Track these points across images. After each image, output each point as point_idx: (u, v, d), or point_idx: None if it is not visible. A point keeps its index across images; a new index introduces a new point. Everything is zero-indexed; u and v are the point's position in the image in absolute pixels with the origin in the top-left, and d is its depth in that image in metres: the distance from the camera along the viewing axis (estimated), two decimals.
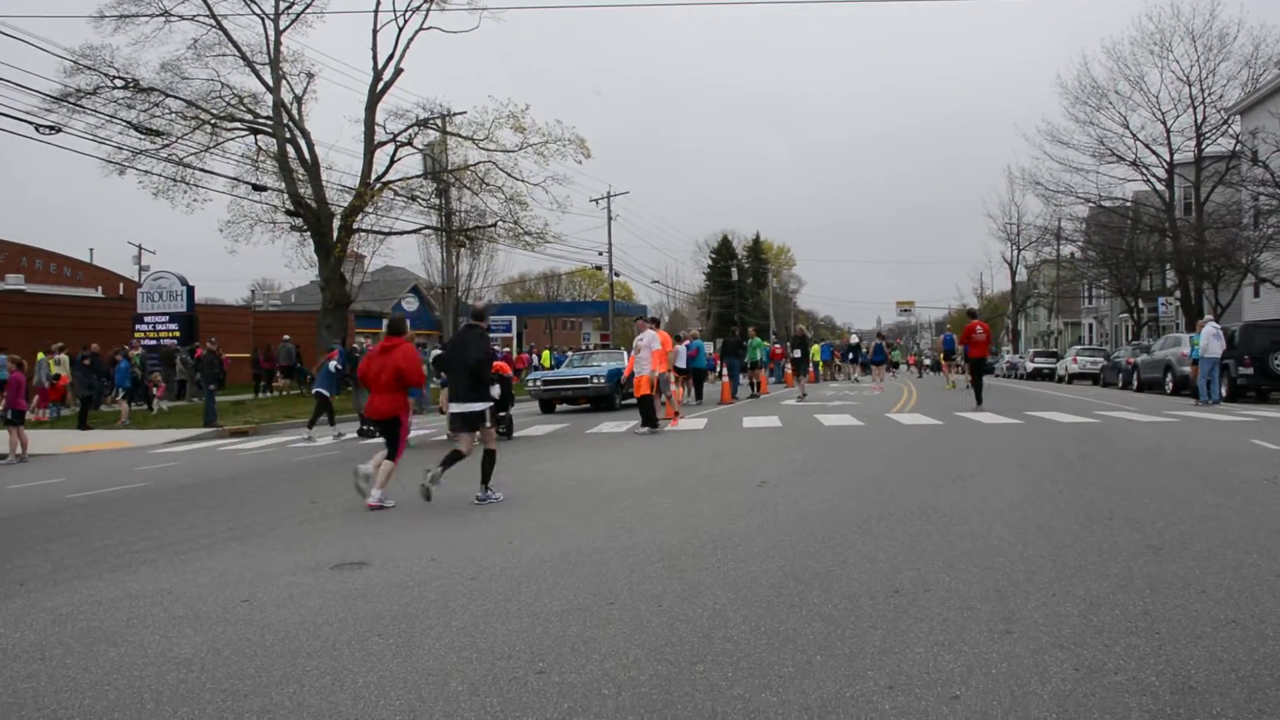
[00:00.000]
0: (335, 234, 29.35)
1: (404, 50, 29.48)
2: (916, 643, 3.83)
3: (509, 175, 29.91)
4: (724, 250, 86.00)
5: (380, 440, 15.43)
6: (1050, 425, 13.90)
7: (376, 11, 29.20)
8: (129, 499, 9.58)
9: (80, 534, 7.45)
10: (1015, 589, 4.60)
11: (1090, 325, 62.83)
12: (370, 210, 29.97)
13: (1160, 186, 35.98)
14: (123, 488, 10.56)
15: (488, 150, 29.71)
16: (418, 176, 31.36)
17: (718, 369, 28.38)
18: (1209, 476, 8.26)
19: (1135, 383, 26.24)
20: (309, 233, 29.54)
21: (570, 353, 33.61)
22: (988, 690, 3.29)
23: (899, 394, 24.88)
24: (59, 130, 21.00)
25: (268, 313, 46.96)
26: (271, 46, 28.52)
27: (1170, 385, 23.16)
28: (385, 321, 9.17)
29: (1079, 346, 45.17)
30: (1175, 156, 35.28)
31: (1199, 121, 33.91)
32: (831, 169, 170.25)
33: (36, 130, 19.68)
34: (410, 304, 52.62)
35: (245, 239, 30.29)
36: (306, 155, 29.13)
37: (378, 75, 29.51)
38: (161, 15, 27.19)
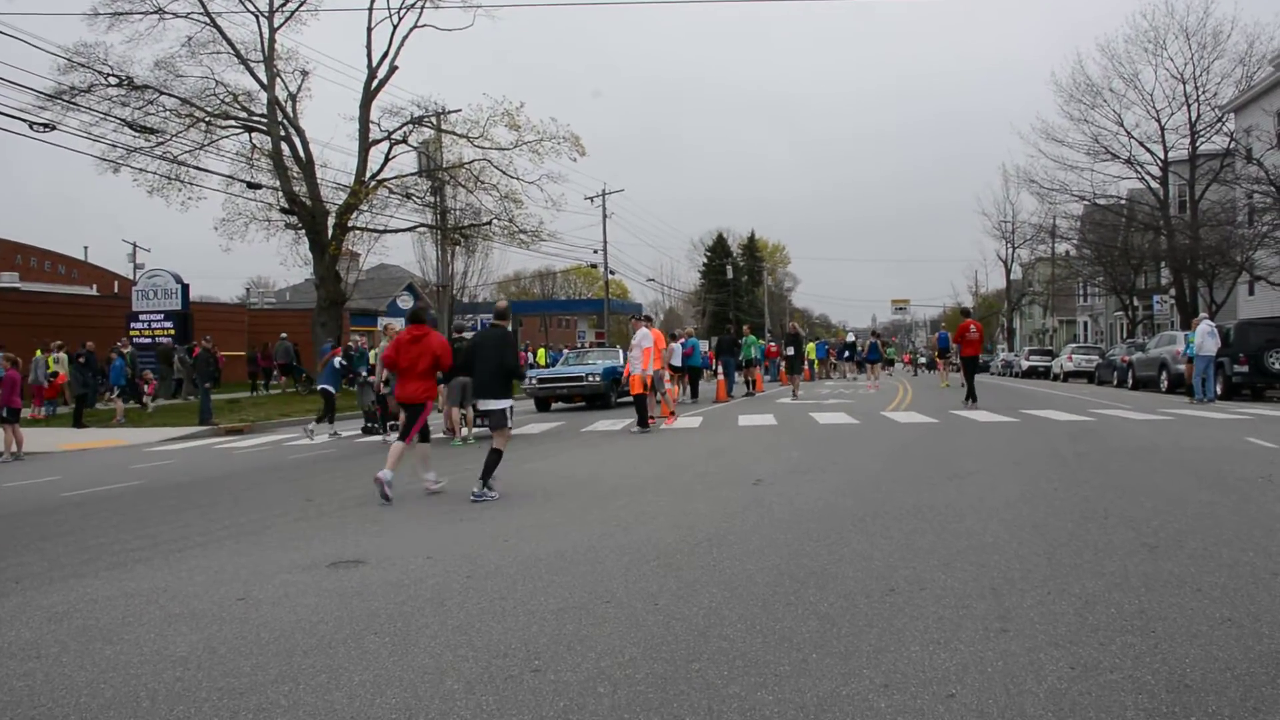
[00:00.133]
0: (330, 232, 29.28)
1: (398, 48, 29.43)
2: (912, 641, 3.83)
3: (504, 173, 29.88)
4: (719, 248, 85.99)
5: (373, 440, 15.47)
6: (1045, 423, 13.93)
7: (371, 9, 29.14)
8: (124, 497, 9.56)
9: (75, 532, 7.43)
10: (1011, 587, 4.61)
11: (1085, 323, 62.96)
12: (365, 208, 29.91)
13: (1155, 184, 36.04)
14: (118, 486, 10.53)
15: (483, 148, 29.67)
16: (413, 174, 31.31)
17: (713, 367, 28.39)
18: (1204, 474, 8.28)
19: (1130, 381, 26.29)
20: (304, 231, 29.47)
21: (565, 351, 33.61)
22: (983, 688, 3.30)
23: (894, 392, 24.91)
24: (53, 128, 20.94)
25: (263, 311, 46.87)
26: (266, 44, 28.43)
27: (1165, 383, 23.20)
28: (408, 311, 9.56)
29: (1074, 344, 45.22)
30: (1170, 154, 35.32)
31: (1193, 119, 33.97)
32: (828, 167, 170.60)
33: (31, 128, 19.62)
34: (405, 302, 52.52)
35: (240, 237, 30.22)
36: (301, 153, 29.06)
37: (372, 73, 29.43)
38: (155, 13, 27.09)
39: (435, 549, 6.05)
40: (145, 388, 24.05)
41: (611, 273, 51.53)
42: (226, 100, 28.53)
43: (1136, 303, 44.15)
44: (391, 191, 30.53)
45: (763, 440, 12.57)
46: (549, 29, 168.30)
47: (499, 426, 8.63)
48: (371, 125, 29.52)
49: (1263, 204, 30.14)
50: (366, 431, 16.25)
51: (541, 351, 41.04)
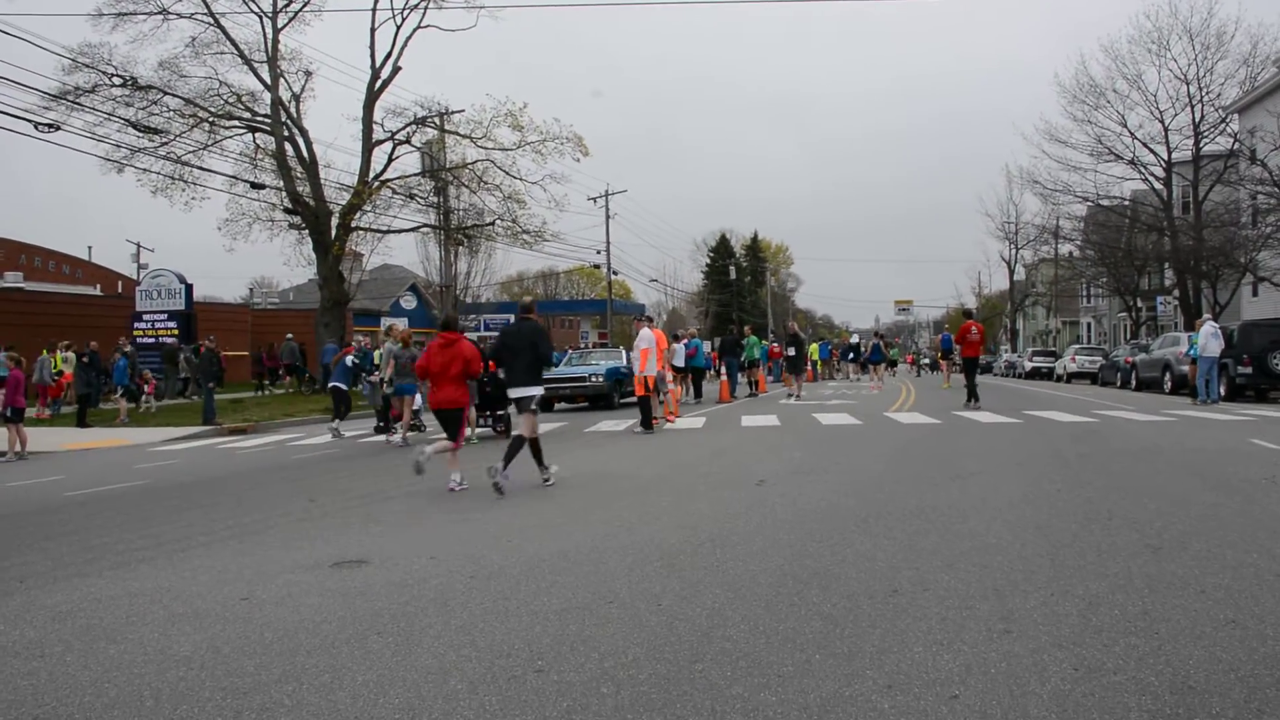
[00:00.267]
0: (333, 232, 29.33)
1: (402, 48, 29.50)
2: (915, 642, 3.83)
3: (507, 173, 29.93)
4: (722, 249, 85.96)
5: (377, 440, 15.48)
6: (1048, 424, 13.91)
7: (374, 10, 29.21)
8: (127, 497, 9.57)
9: (79, 532, 7.44)
10: (1014, 588, 4.61)
11: (1088, 324, 62.87)
12: (368, 208, 29.96)
13: (1158, 185, 36.00)
14: (121, 485, 10.55)
15: (486, 148, 29.72)
16: (416, 175, 31.35)
17: (716, 368, 28.39)
18: (1208, 476, 8.27)
19: (1134, 382, 26.26)
20: (307, 231, 29.52)
21: (569, 351, 33.62)
22: (987, 690, 3.30)
23: (897, 393, 24.89)
24: (58, 128, 21.01)
25: (266, 311, 46.89)
26: (269, 44, 28.49)
27: (1169, 384, 23.17)
28: (440, 320, 9.99)
29: (1077, 346, 45.21)
30: (1173, 155, 35.30)
31: (1197, 120, 33.94)
32: (830, 168, 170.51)
33: (35, 128, 19.69)
34: (409, 302, 52.59)
35: (243, 237, 30.28)
36: (305, 153, 29.11)
37: (376, 73, 29.48)
38: (160, 13, 27.18)
39: (438, 549, 6.05)
40: (145, 388, 24.05)
41: (615, 273, 51.57)
42: (230, 100, 28.59)
43: (1140, 304, 44.10)
44: (395, 192, 30.60)
45: (766, 441, 12.56)
46: (551, 29, 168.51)
47: (526, 411, 9.02)
48: (375, 126, 29.58)
49: (1266, 205, 30.10)
50: (379, 430, 16.27)
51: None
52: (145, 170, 27.77)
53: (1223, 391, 19.54)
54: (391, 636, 4.17)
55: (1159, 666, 3.47)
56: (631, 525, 6.62)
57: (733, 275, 79.84)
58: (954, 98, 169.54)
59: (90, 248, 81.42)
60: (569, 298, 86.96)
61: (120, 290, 40.45)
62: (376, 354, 16.58)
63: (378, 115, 29.68)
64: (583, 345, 48.15)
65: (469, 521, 7.15)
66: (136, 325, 28.48)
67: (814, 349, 40.55)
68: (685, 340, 22.53)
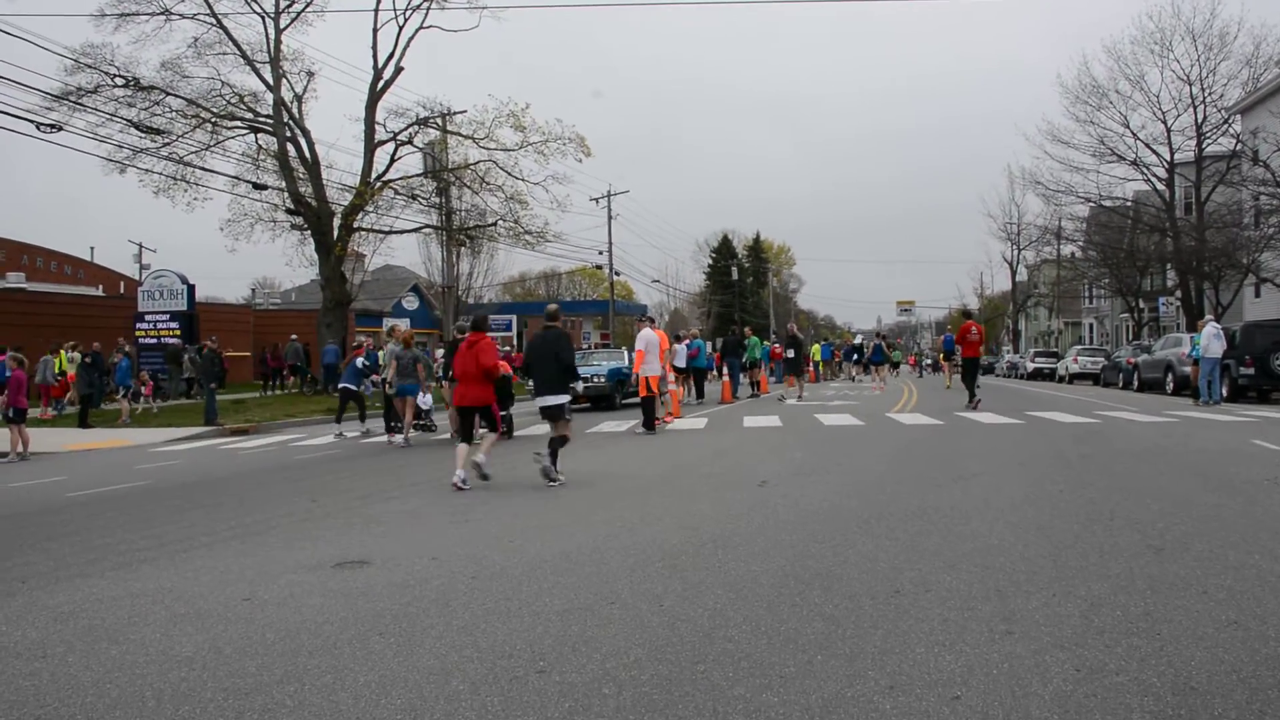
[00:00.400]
0: (335, 233, 29.34)
1: (404, 49, 29.49)
2: (917, 643, 3.83)
3: (509, 174, 29.90)
4: (724, 249, 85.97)
5: (379, 440, 15.48)
6: (1051, 425, 13.90)
7: (377, 10, 29.19)
8: (129, 497, 9.58)
9: (81, 532, 7.45)
10: (1016, 589, 4.60)
11: (1091, 325, 62.83)
12: (370, 209, 29.96)
13: (1161, 186, 35.96)
14: (123, 486, 10.56)
15: (488, 149, 29.70)
16: (418, 175, 31.35)
17: (718, 369, 28.37)
18: (1210, 477, 8.26)
19: (1136, 383, 26.23)
20: (309, 231, 29.53)
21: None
22: (989, 691, 3.30)
23: (899, 394, 24.88)
24: (60, 128, 21.01)
25: (268, 311, 46.94)
26: (272, 45, 28.50)
27: (1171, 385, 23.15)
28: (470, 319, 10.40)
29: (1079, 346, 45.14)
30: (1176, 156, 35.27)
31: (1199, 121, 33.91)
32: (832, 168, 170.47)
33: (37, 128, 19.68)
34: (411, 303, 52.62)
35: (246, 238, 30.29)
36: (307, 154, 29.12)
37: (378, 74, 29.49)
38: (162, 14, 27.18)
39: (440, 550, 6.06)
40: (143, 389, 24.05)
41: (617, 274, 51.58)
42: (232, 101, 28.61)
43: (1142, 305, 44.08)
44: (397, 192, 30.59)
45: (768, 441, 12.56)
46: (553, 29, 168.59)
47: (557, 419, 9.31)
48: (377, 126, 29.59)
49: (1269, 206, 30.05)
50: (390, 430, 16.28)
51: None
52: (147, 171, 27.82)
53: (1225, 392, 19.52)
54: (393, 637, 4.17)
55: (1161, 667, 3.47)
56: (633, 526, 6.63)
57: (735, 276, 79.84)
58: (955, 98, 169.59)
59: (92, 248, 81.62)
60: (571, 298, 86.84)
61: (122, 291, 40.48)
62: (380, 355, 16.59)
63: (380, 116, 29.72)
64: (585, 346, 48.21)
65: (470, 522, 7.16)
66: (139, 326, 28.50)
67: (816, 350, 40.55)
68: (687, 341, 22.52)
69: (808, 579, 4.92)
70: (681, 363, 21.42)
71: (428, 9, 28.93)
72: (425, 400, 16.22)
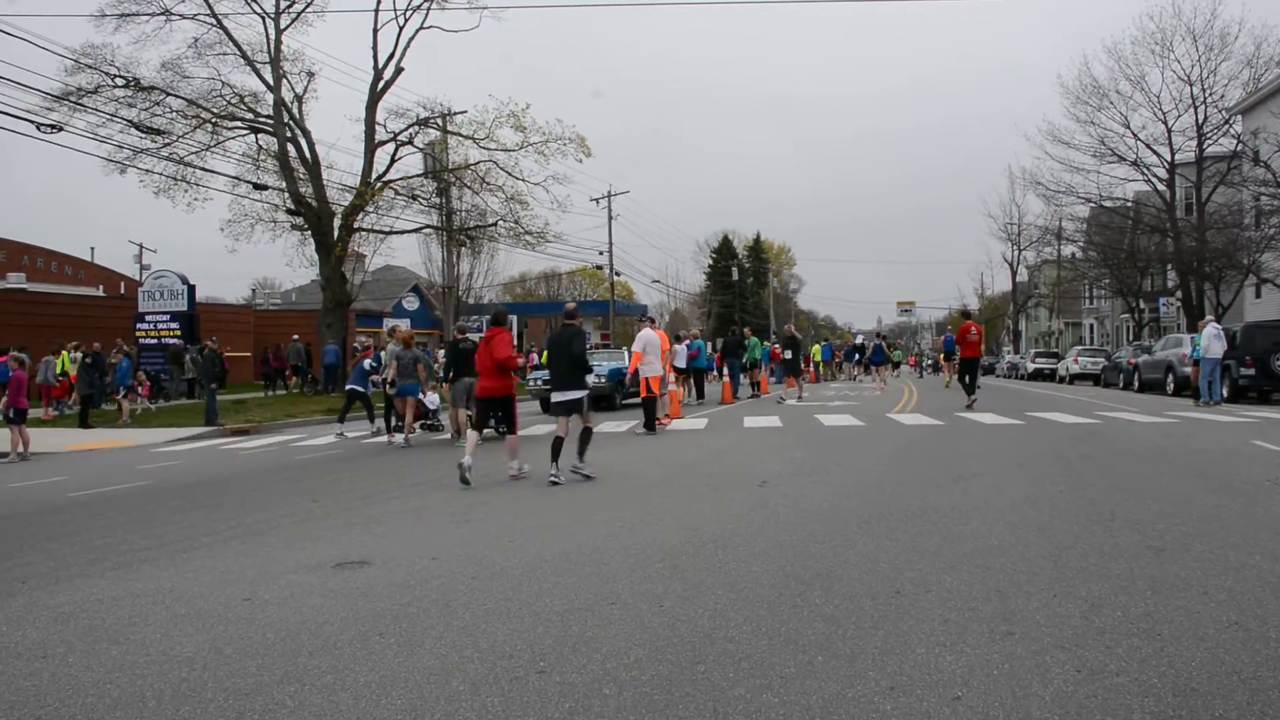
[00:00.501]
0: (336, 233, 29.35)
1: (404, 49, 29.51)
2: (918, 643, 3.83)
3: (509, 174, 29.92)
4: (724, 250, 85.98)
5: (379, 440, 15.49)
6: (1051, 426, 13.90)
7: (377, 11, 29.22)
8: (130, 497, 9.58)
9: (82, 532, 7.45)
10: (1016, 590, 4.60)
11: (1091, 326, 62.81)
12: (371, 209, 29.98)
13: (1161, 187, 35.97)
14: (124, 486, 10.56)
15: (488, 149, 29.72)
16: (418, 175, 31.36)
17: (718, 369, 28.37)
18: (1210, 477, 8.26)
19: (1136, 383, 26.22)
20: (310, 232, 29.54)
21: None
22: (989, 691, 3.29)
23: (899, 394, 24.87)
24: (60, 129, 21.00)
25: (268, 312, 46.96)
26: (272, 45, 28.52)
27: (1171, 386, 23.15)
28: (490, 313, 10.76)
29: (1080, 347, 45.13)
30: (1176, 156, 35.27)
31: (1200, 121, 33.91)
32: (832, 168, 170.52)
33: (38, 129, 19.68)
34: (411, 303, 52.64)
35: (246, 238, 30.30)
36: (307, 154, 29.13)
37: (378, 74, 29.51)
38: (162, 14, 27.20)
39: (440, 550, 6.06)
40: (139, 389, 24.05)
41: (617, 274, 51.60)
42: (233, 101, 28.62)
43: (1143, 305, 44.07)
44: (397, 193, 30.61)
45: (768, 442, 12.56)
46: (553, 30, 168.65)
47: (571, 413, 9.57)
48: (377, 127, 29.60)
49: (1270, 207, 30.05)
50: (390, 430, 16.29)
51: (547, 353, 41.02)
52: (148, 171, 27.84)
53: (1225, 393, 19.52)
54: (394, 637, 4.17)
55: (1161, 668, 3.47)
56: (634, 526, 6.63)
57: (735, 276, 79.86)
58: (956, 98, 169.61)
59: (93, 249, 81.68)
60: (571, 299, 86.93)
61: (123, 291, 40.50)
62: (383, 354, 16.60)
63: (380, 116, 29.74)
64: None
65: (470, 522, 7.16)
66: (139, 326, 28.52)
67: (816, 350, 40.55)
68: (687, 341, 22.52)
69: (808, 579, 4.92)
70: (682, 363, 21.41)
71: (428, 9, 28.99)
72: (433, 400, 16.24)
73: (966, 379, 18.56)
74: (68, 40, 31.27)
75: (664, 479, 9.21)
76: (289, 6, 28.75)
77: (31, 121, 19.64)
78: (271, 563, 5.91)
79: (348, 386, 17.37)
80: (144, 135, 25.78)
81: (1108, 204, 39.06)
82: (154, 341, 28.13)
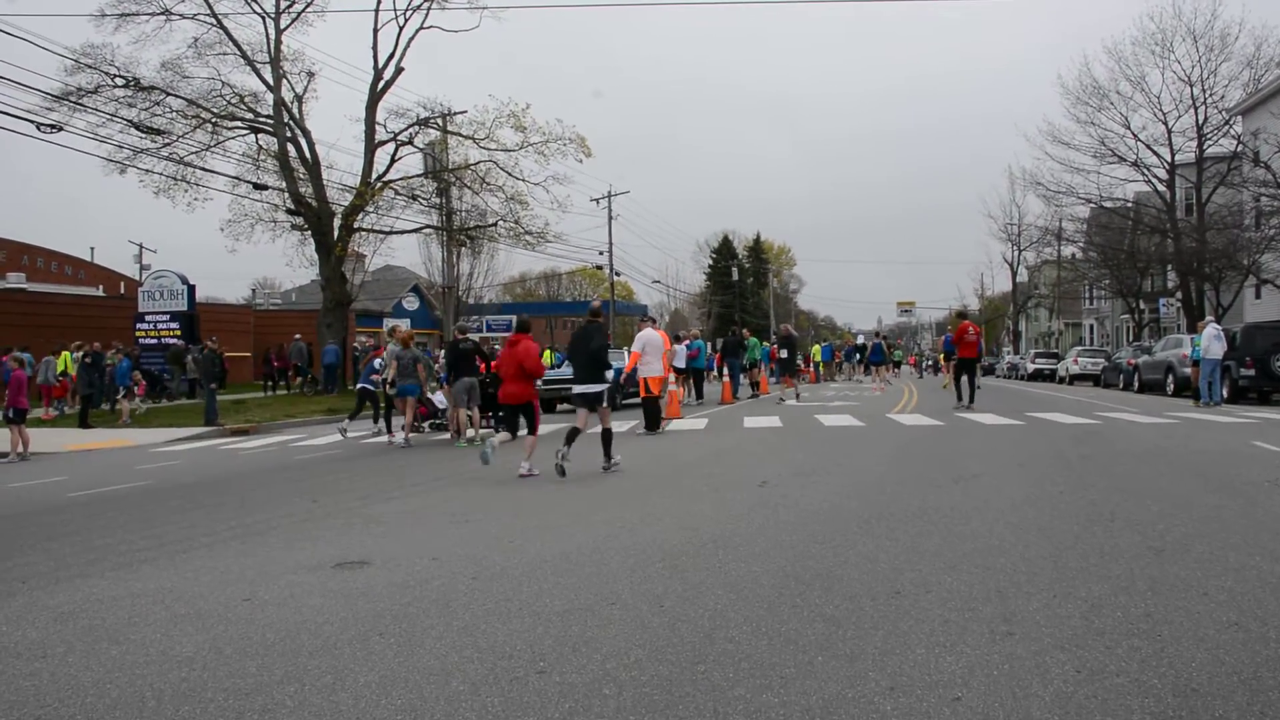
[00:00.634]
0: (336, 233, 29.35)
1: (404, 49, 29.54)
2: (918, 644, 3.83)
3: (509, 174, 29.94)
4: (724, 250, 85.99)
5: (380, 440, 15.48)
6: (1051, 426, 13.90)
7: (377, 11, 29.24)
8: (130, 497, 9.58)
9: (81, 532, 7.45)
10: (1016, 590, 4.60)
11: (1091, 326, 62.81)
12: (371, 209, 29.99)
13: (1161, 187, 35.98)
14: (124, 486, 10.56)
15: (488, 149, 29.74)
16: (418, 176, 31.38)
17: (718, 369, 28.36)
18: (1210, 478, 8.26)
19: (1136, 384, 26.24)
20: (310, 232, 29.55)
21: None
22: (989, 692, 3.29)
23: (899, 394, 24.88)
24: (60, 129, 21.01)
25: (268, 312, 46.96)
26: (272, 45, 28.53)
27: (1171, 386, 23.15)
28: (514, 319, 11.03)
29: (1080, 347, 45.14)
30: (1176, 157, 35.29)
31: (1200, 122, 33.92)
32: (832, 168, 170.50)
33: (38, 129, 19.69)
34: (411, 303, 52.64)
35: (246, 238, 30.32)
36: (307, 154, 29.14)
37: (378, 74, 29.51)
38: (162, 14, 27.22)
39: (440, 550, 6.05)
40: (136, 389, 24.03)
41: (617, 274, 51.61)
42: (233, 101, 28.63)
43: (1143, 306, 44.08)
44: (397, 193, 30.62)
45: (768, 442, 12.56)
46: (553, 29, 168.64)
47: (595, 407, 9.90)
48: (377, 127, 29.61)
49: (1270, 207, 30.06)
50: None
51: (548, 353, 40.99)
52: (148, 171, 27.86)
53: (1225, 394, 19.52)
54: (393, 637, 4.17)
55: (1161, 669, 3.47)
56: (634, 526, 6.62)
57: (735, 276, 79.88)
58: (956, 99, 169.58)
59: (92, 249, 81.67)
60: (572, 299, 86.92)
61: (123, 291, 40.49)
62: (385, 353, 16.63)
63: (380, 116, 29.76)
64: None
65: (470, 523, 7.16)
66: (139, 326, 28.53)
67: (816, 350, 40.55)
68: (687, 341, 22.52)
69: (808, 580, 4.92)
70: (681, 363, 21.41)
71: (428, 9, 29.01)
72: (441, 400, 16.27)
73: (964, 379, 18.55)
74: (68, 40, 31.35)
75: (664, 479, 9.21)
76: (289, 6, 28.78)
77: (32, 121, 19.66)
78: (271, 563, 5.90)
79: (358, 385, 17.42)
80: (144, 135, 25.80)
81: (1108, 204, 39.08)
82: (154, 341, 28.13)
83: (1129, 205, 40.23)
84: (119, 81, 25.89)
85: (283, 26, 28.70)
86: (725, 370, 25.02)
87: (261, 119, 28.99)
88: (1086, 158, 36.53)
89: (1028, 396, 24.17)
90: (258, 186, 28.31)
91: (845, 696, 3.30)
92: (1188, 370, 21.16)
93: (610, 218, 49.38)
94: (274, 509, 8.33)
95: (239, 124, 29.05)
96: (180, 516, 8.10)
